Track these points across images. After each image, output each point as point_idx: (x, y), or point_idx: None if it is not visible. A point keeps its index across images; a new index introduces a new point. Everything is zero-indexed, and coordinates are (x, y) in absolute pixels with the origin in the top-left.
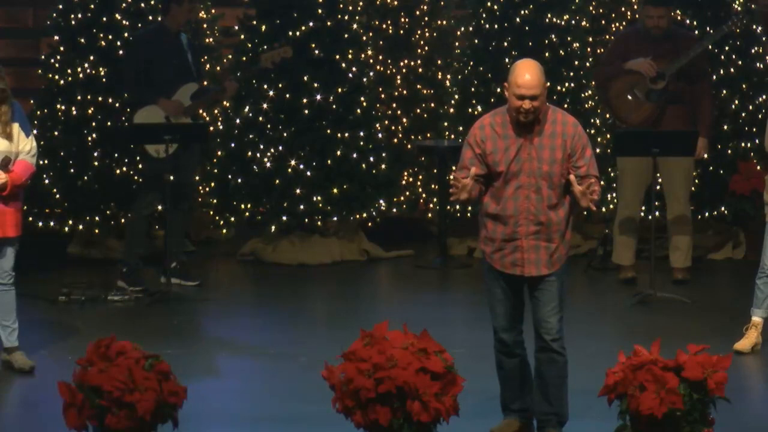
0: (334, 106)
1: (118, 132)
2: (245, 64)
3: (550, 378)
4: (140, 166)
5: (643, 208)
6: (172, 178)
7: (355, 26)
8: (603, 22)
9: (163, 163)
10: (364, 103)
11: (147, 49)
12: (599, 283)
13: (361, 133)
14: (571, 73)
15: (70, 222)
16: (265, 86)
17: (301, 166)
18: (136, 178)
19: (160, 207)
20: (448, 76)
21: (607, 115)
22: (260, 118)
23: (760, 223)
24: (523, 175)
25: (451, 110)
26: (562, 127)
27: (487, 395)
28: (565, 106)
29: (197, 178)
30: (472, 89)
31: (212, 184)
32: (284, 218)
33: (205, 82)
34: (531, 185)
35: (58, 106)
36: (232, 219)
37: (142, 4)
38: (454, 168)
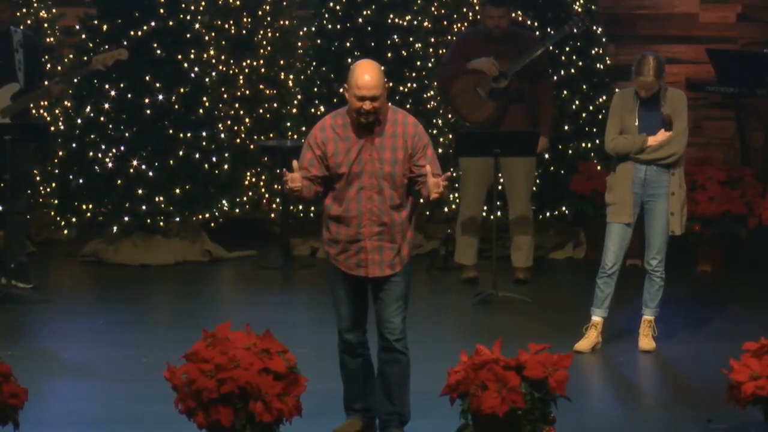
0: (176, 106)
1: None
2: (85, 64)
3: (393, 378)
4: None
5: (485, 207)
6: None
7: (197, 26)
8: (445, 23)
9: None
10: (207, 104)
11: None
12: (441, 282)
13: (204, 134)
14: (413, 74)
15: None
16: (107, 86)
17: (143, 167)
18: None
19: None
20: (291, 77)
21: (449, 116)
22: (102, 118)
23: (601, 223)
24: (365, 176)
25: (294, 110)
26: (402, 127)
27: (330, 395)
28: (408, 106)
29: (38, 178)
30: (315, 89)
31: (53, 185)
32: (126, 219)
33: (46, 82)
34: (373, 186)
35: None
36: (74, 219)
37: None
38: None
